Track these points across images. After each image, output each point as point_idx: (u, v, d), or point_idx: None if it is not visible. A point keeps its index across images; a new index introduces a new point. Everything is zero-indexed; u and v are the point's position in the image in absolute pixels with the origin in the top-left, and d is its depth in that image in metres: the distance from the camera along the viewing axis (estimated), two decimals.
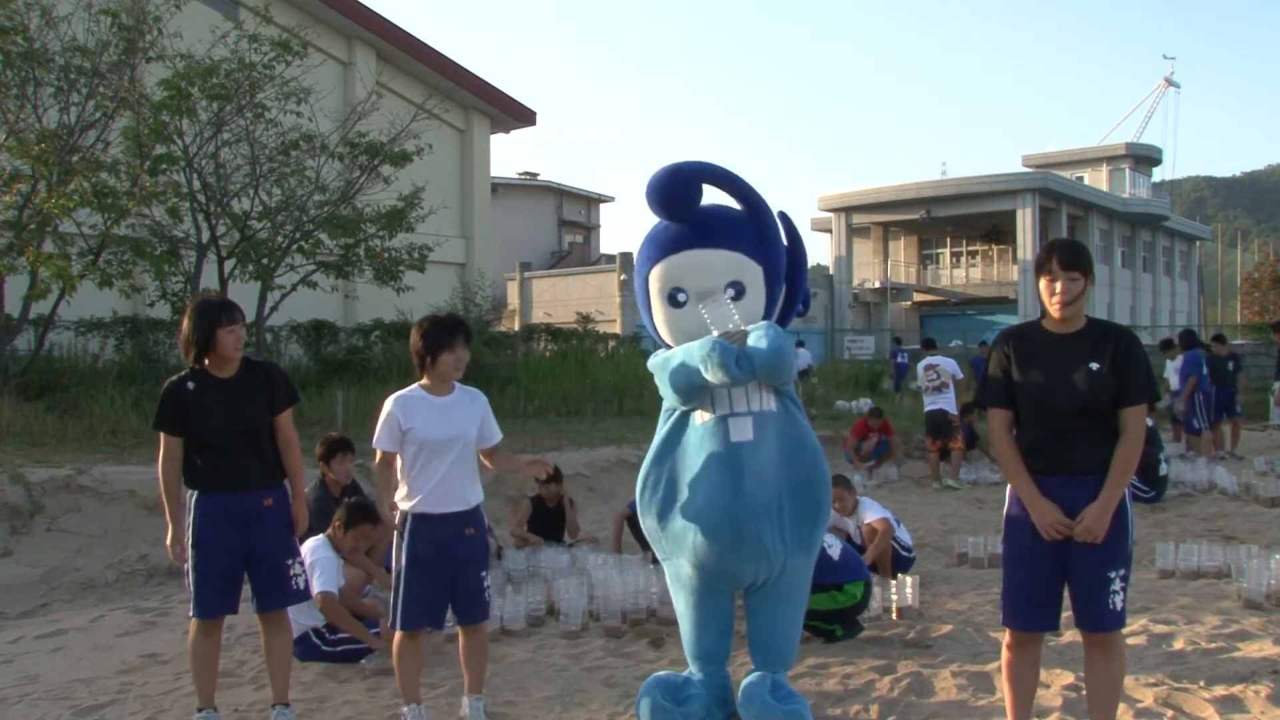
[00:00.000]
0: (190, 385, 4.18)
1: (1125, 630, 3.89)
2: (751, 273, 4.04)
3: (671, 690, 4.07)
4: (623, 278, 29.11)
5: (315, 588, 5.09)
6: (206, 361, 4.19)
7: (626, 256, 29.67)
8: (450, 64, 22.31)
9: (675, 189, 3.99)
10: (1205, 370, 13.00)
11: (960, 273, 46.74)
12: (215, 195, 12.85)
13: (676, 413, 4.14)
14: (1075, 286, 3.50)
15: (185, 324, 4.20)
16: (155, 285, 12.53)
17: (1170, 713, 4.12)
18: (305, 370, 15.99)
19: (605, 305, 30.34)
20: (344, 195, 13.95)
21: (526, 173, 41.02)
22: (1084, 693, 3.86)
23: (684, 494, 3.98)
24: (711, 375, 3.82)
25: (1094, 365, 3.48)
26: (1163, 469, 9.82)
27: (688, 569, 4.11)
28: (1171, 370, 14.02)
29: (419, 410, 4.18)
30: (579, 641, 5.47)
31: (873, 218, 43.70)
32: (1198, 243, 56.07)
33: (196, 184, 12.68)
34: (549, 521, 7.85)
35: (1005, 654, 3.70)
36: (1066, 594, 3.58)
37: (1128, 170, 46.39)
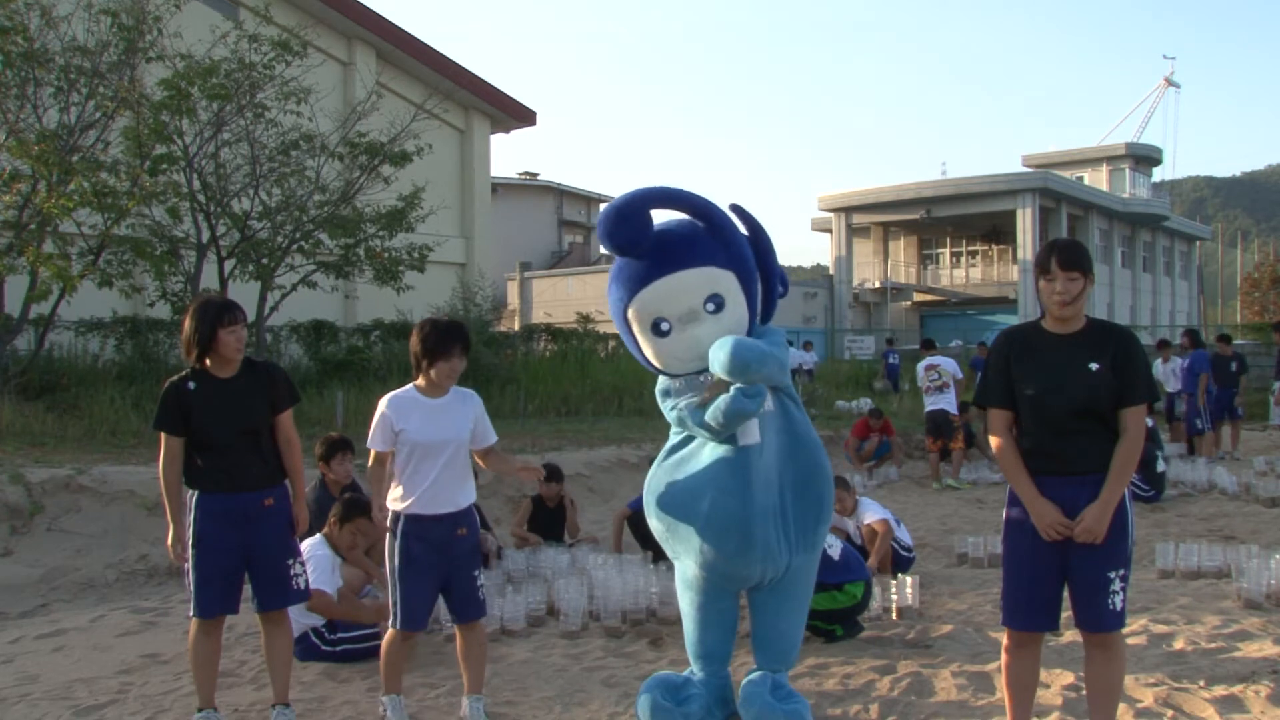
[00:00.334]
0: (191, 385, 4.18)
1: (1125, 630, 3.89)
2: (725, 282, 3.98)
3: (671, 690, 4.07)
4: None
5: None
6: (207, 361, 4.19)
7: None
8: (450, 64, 22.32)
9: (624, 228, 3.90)
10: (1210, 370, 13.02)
11: (960, 273, 46.73)
12: (215, 195, 12.86)
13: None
14: (1075, 286, 3.49)
15: (187, 323, 4.19)
16: (155, 285, 12.54)
17: (1170, 713, 4.12)
18: (305, 370, 15.99)
19: (605, 305, 30.21)
20: (344, 195, 13.96)
21: (526, 173, 41.03)
22: (1084, 693, 3.86)
23: (691, 497, 3.97)
24: (739, 424, 3.79)
25: (1094, 365, 3.48)
26: (1160, 466, 9.81)
27: (694, 570, 4.12)
28: (1166, 371, 14.03)
29: (412, 412, 4.19)
30: (579, 641, 5.47)
31: (873, 218, 43.69)
32: (1198, 243, 56.06)
33: (196, 184, 12.69)
34: (549, 521, 7.85)
35: (1005, 654, 3.70)
36: (1066, 594, 3.58)
37: (1128, 170, 46.37)
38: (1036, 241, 37.39)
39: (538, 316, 31.68)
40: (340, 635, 5.23)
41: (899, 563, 6.81)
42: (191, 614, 4.22)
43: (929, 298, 45.14)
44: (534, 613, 5.82)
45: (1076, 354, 3.52)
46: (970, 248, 46.71)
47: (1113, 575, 3.47)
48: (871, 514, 6.86)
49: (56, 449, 9.52)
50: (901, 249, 47.35)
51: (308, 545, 5.38)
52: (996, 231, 43.67)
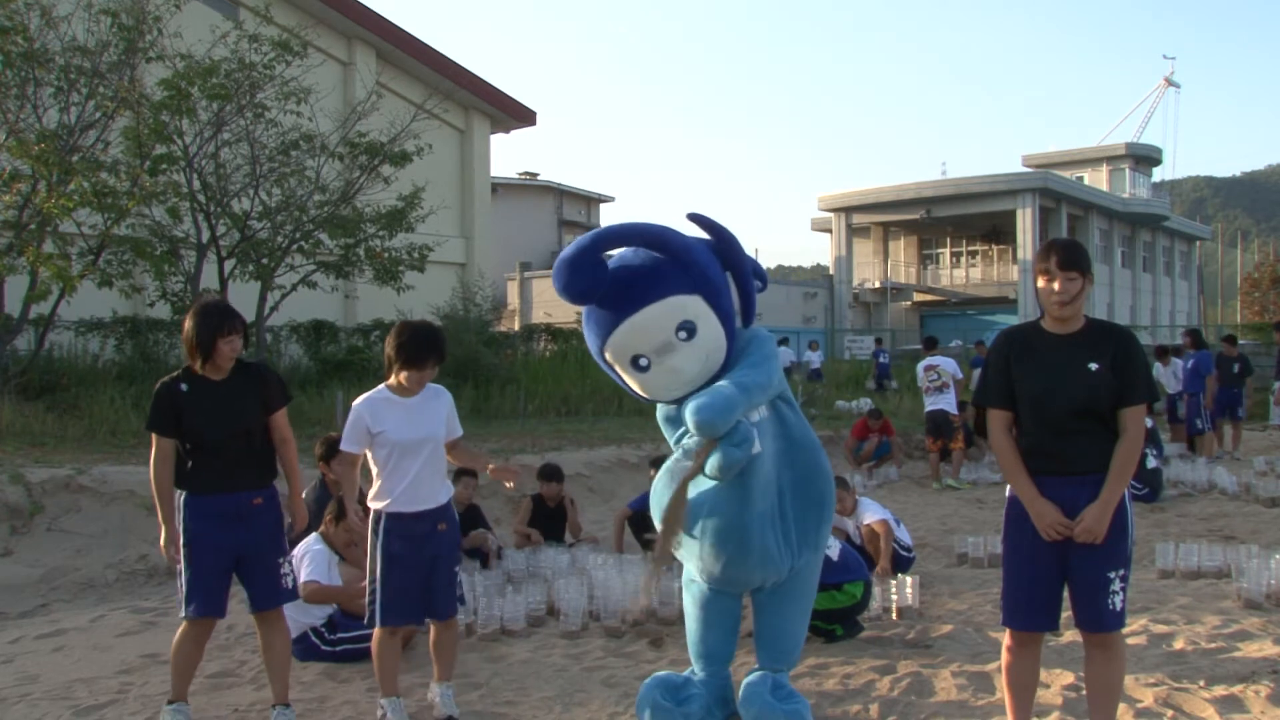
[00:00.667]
0: (183, 387, 4.19)
1: (1125, 630, 3.89)
2: (692, 307, 3.91)
3: (672, 690, 4.07)
4: None
5: (303, 579, 5.13)
6: (200, 366, 4.21)
7: None
8: (450, 64, 22.33)
9: (578, 277, 3.85)
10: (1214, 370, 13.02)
11: (960, 273, 46.73)
12: (215, 195, 12.86)
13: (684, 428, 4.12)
14: (1073, 286, 3.49)
15: (189, 325, 4.20)
16: (155, 285, 12.55)
17: (1170, 713, 4.12)
18: (305, 370, 16.00)
19: None
20: (344, 195, 13.96)
21: (526, 173, 41.00)
22: (1084, 693, 3.86)
23: (691, 505, 3.96)
24: (742, 464, 3.75)
25: (1093, 365, 3.48)
26: (1150, 463, 9.78)
27: (696, 574, 4.12)
28: (1167, 373, 14.02)
29: (388, 413, 4.24)
30: (579, 641, 5.47)
31: (873, 218, 43.69)
32: (1198, 243, 56.05)
33: (196, 184, 12.69)
34: (549, 521, 7.84)
35: (1005, 654, 3.70)
36: (1066, 594, 3.58)
37: (1128, 170, 46.36)
38: (1036, 241, 37.39)
39: (538, 316, 31.65)
40: (340, 635, 5.23)
41: (899, 563, 6.81)
42: (183, 615, 4.22)
43: (929, 298, 45.14)
44: (534, 613, 5.82)
45: (1076, 354, 3.52)
46: (970, 248, 46.71)
47: (1113, 575, 3.47)
48: (871, 514, 6.86)
49: (56, 449, 9.52)
50: (901, 249, 47.35)
51: (305, 543, 5.38)
52: (996, 231, 43.67)
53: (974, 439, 12.55)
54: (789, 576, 4.07)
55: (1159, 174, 51.12)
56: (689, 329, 3.92)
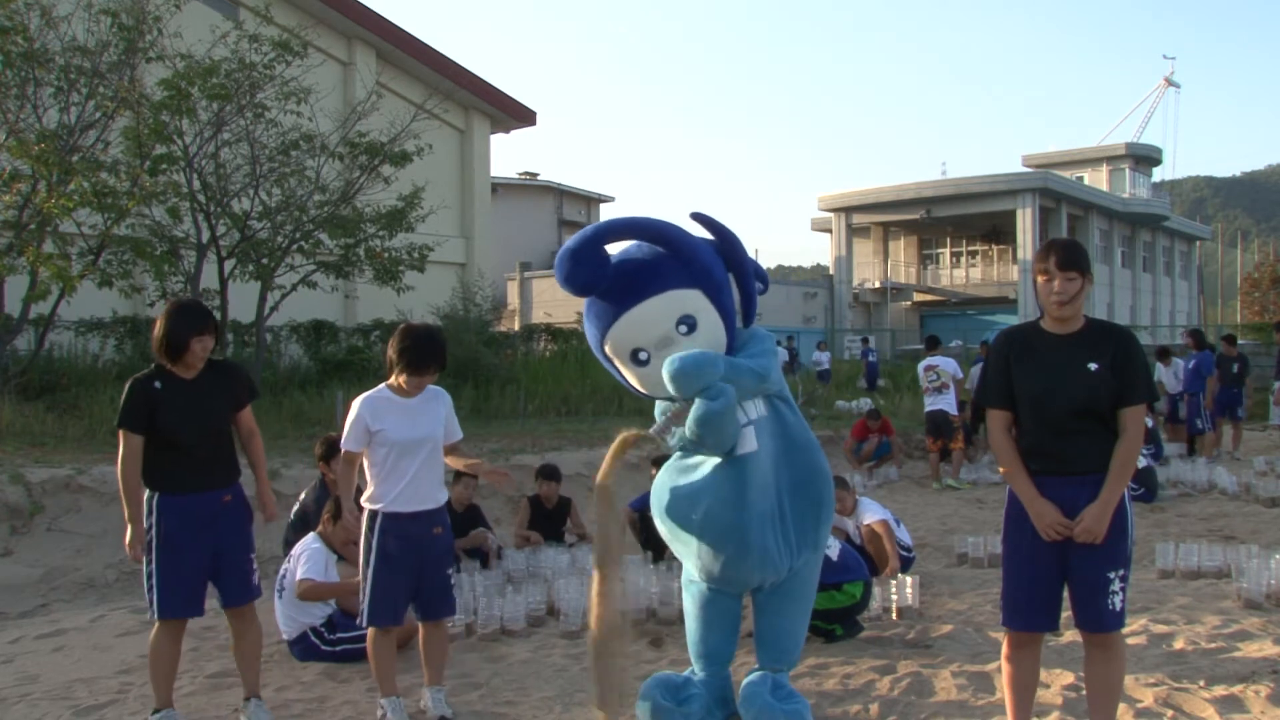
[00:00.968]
0: (157, 384, 4.20)
1: (1125, 630, 3.89)
2: (693, 301, 3.94)
3: (672, 690, 4.07)
4: None
5: (298, 576, 5.16)
6: (171, 364, 4.22)
7: None
8: (450, 64, 22.32)
9: (580, 268, 3.88)
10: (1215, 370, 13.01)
11: (960, 273, 46.73)
12: (215, 195, 12.86)
13: None
14: (1073, 286, 3.49)
15: (160, 325, 4.21)
16: (155, 285, 12.54)
17: (1170, 713, 4.12)
18: (305, 370, 16.00)
19: None
20: (344, 195, 13.96)
21: (526, 173, 41.00)
22: (1084, 693, 3.86)
23: (690, 505, 3.97)
24: (720, 427, 3.74)
25: (1093, 365, 3.48)
26: (1141, 462, 9.75)
27: (695, 574, 4.13)
28: (1168, 374, 14.02)
29: (388, 412, 4.27)
30: (579, 641, 5.46)
31: (873, 218, 43.70)
32: (1198, 243, 56.06)
33: (196, 184, 12.69)
34: (548, 522, 7.84)
35: (1005, 654, 3.70)
36: (1066, 594, 3.58)
37: (1128, 170, 46.37)
38: (1036, 241, 37.39)
39: (538, 316, 31.65)
40: (340, 635, 5.23)
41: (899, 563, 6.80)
42: (153, 616, 4.22)
43: (929, 298, 45.14)
44: (534, 613, 5.82)
45: (1076, 354, 3.52)
46: (970, 248, 46.71)
47: (1112, 575, 3.47)
48: (871, 514, 6.85)
49: (56, 449, 9.52)
50: (901, 249, 47.35)
51: (303, 542, 5.39)
52: (996, 231, 43.67)
53: (972, 439, 12.56)
54: (789, 576, 4.07)
55: (1159, 174, 51.17)
56: (689, 323, 3.93)
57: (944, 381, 11.76)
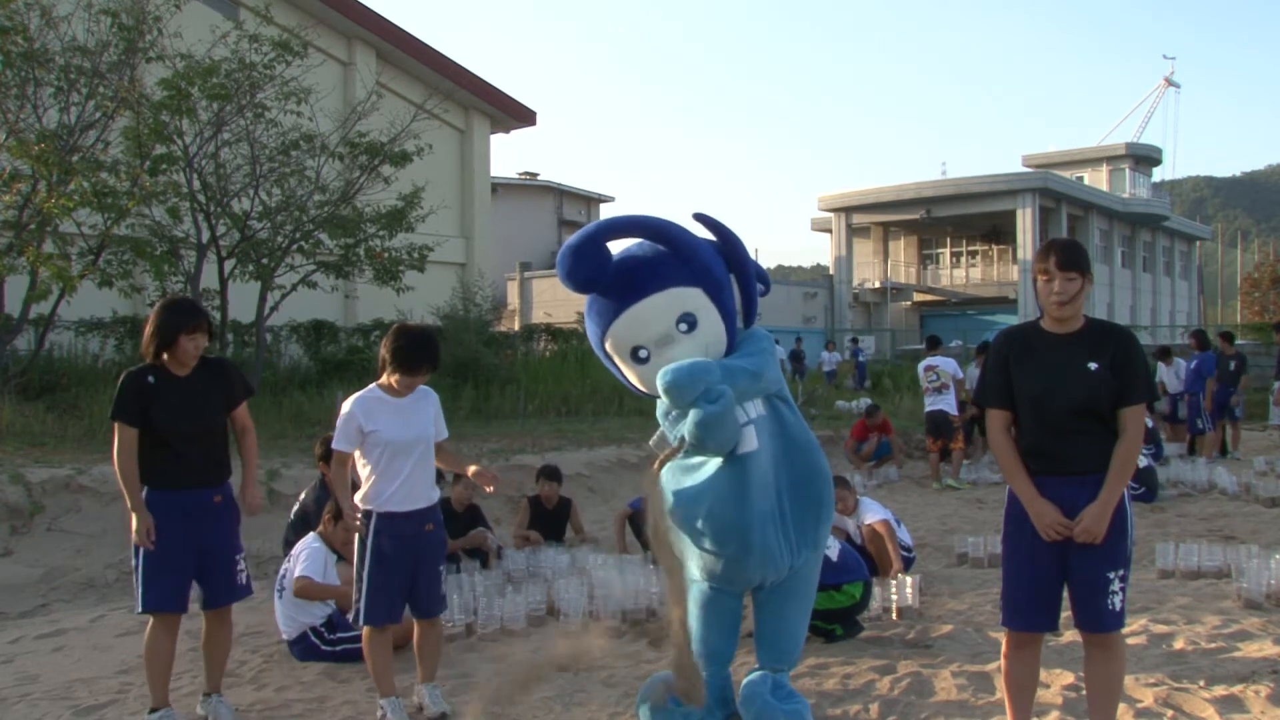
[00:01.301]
0: (151, 379, 4.20)
1: (1125, 630, 3.89)
2: (693, 299, 3.94)
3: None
4: None
5: (296, 574, 5.16)
6: (164, 358, 4.23)
7: None
8: (450, 64, 22.33)
9: (582, 265, 3.88)
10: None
11: (960, 273, 46.75)
12: (215, 195, 12.86)
13: None
14: (1073, 286, 3.49)
15: (150, 323, 4.23)
16: (155, 285, 12.55)
17: (1170, 713, 4.12)
18: (305, 370, 16.01)
19: None
20: (344, 195, 13.96)
21: (526, 173, 41.01)
22: (1084, 693, 3.86)
23: (691, 504, 3.97)
24: (720, 429, 3.72)
25: (1093, 365, 3.48)
26: (1142, 462, 9.74)
27: (697, 573, 4.13)
28: (1169, 374, 14.02)
29: (380, 412, 4.28)
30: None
31: (873, 218, 43.71)
32: (1198, 243, 56.08)
33: (196, 184, 12.69)
34: (548, 522, 7.84)
35: (1005, 654, 3.70)
36: (1066, 594, 3.58)
37: (1128, 170, 46.39)
38: (1036, 241, 37.40)
39: (538, 316, 31.65)
40: (340, 635, 5.23)
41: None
42: (140, 610, 4.24)
43: (929, 298, 45.16)
44: (534, 613, 5.82)
45: (1076, 354, 3.52)
46: (970, 248, 46.73)
47: (1112, 575, 3.47)
48: (872, 514, 6.85)
49: (56, 449, 9.52)
50: (901, 249, 47.36)
51: (303, 541, 5.39)
52: (996, 231, 43.68)
53: (972, 438, 12.56)
54: (789, 576, 4.07)
55: (1159, 174, 51.19)
56: (690, 321, 3.94)
57: (944, 382, 11.76)
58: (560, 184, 41.27)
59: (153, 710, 4.28)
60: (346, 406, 4.31)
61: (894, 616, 5.76)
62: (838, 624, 5.37)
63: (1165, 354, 14.60)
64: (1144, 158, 47.70)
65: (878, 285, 43.75)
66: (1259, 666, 4.60)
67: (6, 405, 10.65)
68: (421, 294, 15.93)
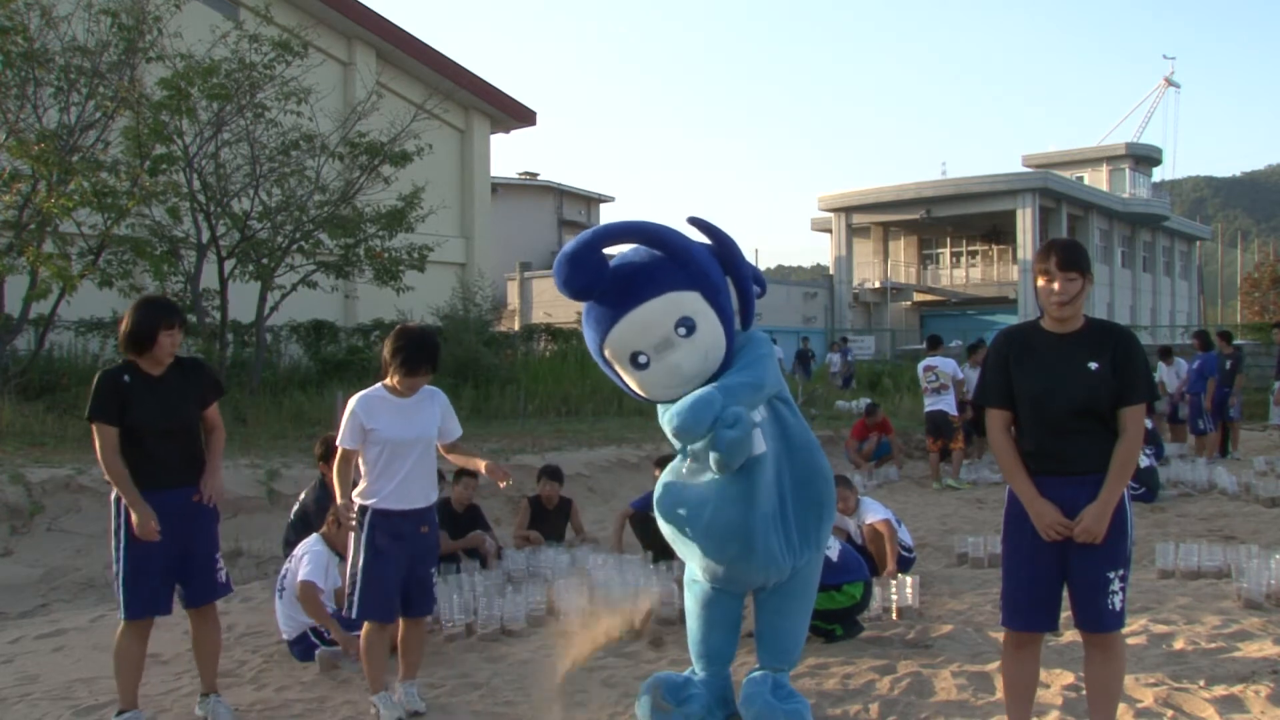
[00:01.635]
0: (126, 378, 4.20)
1: (1125, 630, 3.89)
2: (691, 303, 3.94)
3: (672, 689, 4.07)
4: None
5: (300, 577, 5.14)
6: (138, 358, 4.22)
7: None
8: (450, 64, 22.33)
9: (579, 273, 3.88)
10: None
11: (960, 273, 46.74)
12: (215, 195, 12.87)
13: None
14: (1073, 286, 3.49)
15: (127, 320, 4.22)
16: (155, 285, 12.54)
17: (1170, 713, 4.12)
18: (305, 370, 16.00)
19: None
20: (344, 195, 13.97)
21: (526, 173, 41.00)
22: (1084, 693, 3.86)
23: (695, 506, 3.97)
24: (743, 449, 3.73)
25: (1093, 365, 3.48)
26: (1144, 462, 9.75)
27: (699, 574, 4.13)
28: (1170, 374, 14.01)
29: (382, 411, 4.33)
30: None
31: (873, 218, 43.70)
32: (1198, 243, 56.07)
33: (196, 184, 12.69)
34: (548, 522, 7.84)
35: (1005, 654, 3.70)
36: (1066, 594, 3.58)
37: (1128, 170, 46.38)
38: (1036, 241, 37.40)
39: (538, 316, 31.63)
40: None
41: (900, 563, 6.80)
42: (122, 616, 4.22)
43: (929, 298, 45.15)
44: (534, 613, 5.82)
45: (1076, 354, 3.52)
46: (970, 248, 46.72)
47: (1112, 575, 3.47)
48: (873, 514, 6.85)
49: (56, 449, 9.52)
50: (901, 249, 47.36)
51: (305, 543, 5.38)
52: (996, 231, 43.67)
53: (972, 438, 12.56)
54: (790, 576, 4.08)
55: (1159, 174, 51.18)
56: (688, 325, 3.94)
57: (942, 382, 11.77)
58: (560, 184, 41.25)
59: (121, 712, 4.28)
60: (351, 405, 4.35)
61: (894, 616, 5.76)
62: (838, 624, 5.37)
63: (1166, 354, 14.59)
64: (1144, 158, 47.70)
65: (878, 285, 43.74)
66: (1259, 666, 4.60)
67: (6, 405, 10.64)
68: (421, 294, 15.94)
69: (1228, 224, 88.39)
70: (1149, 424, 8.20)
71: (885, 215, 43.26)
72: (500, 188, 32.75)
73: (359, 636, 4.59)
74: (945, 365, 11.95)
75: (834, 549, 5.40)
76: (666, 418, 3.73)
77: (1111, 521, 3.44)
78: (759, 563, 3.91)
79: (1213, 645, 4.95)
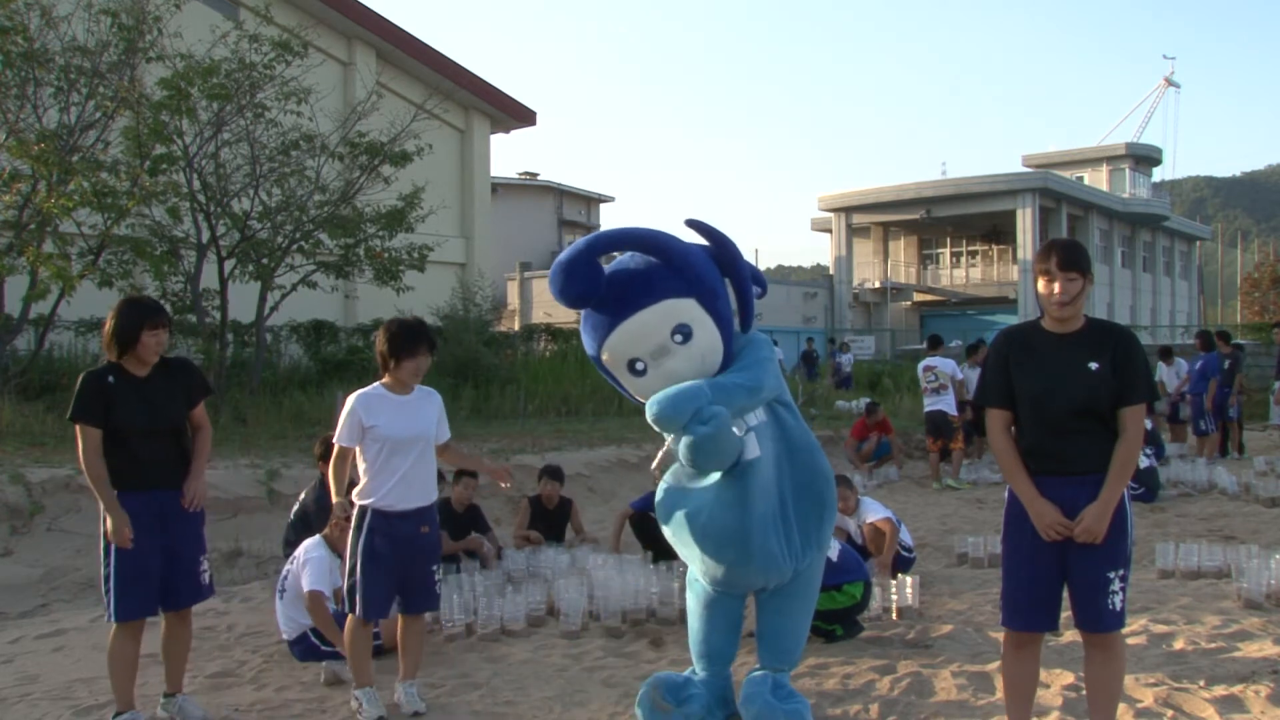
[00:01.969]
0: (110, 379, 4.19)
1: (1125, 630, 3.89)
2: (687, 310, 3.93)
3: (672, 689, 4.07)
4: None
5: (305, 586, 5.13)
6: (124, 358, 4.21)
7: None
8: (450, 64, 22.34)
9: (574, 281, 3.89)
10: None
11: (960, 273, 46.75)
12: (215, 195, 12.87)
13: None
14: (1073, 286, 3.49)
15: (110, 320, 4.21)
16: (155, 285, 12.55)
17: (1170, 713, 4.12)
18: (305, 370, 16.01)
19: None
20: (344, 195, 13.97)
21: (526, 173, 41.01)
22: (1084, 693, 3.86)
23: (693, 510, 3.97)
24: (714, 451, 3.73)
25: (1093, 365, 3.48)
26: (1143, 462, 9.73)
27: (700, 575, 4.14)
28: (1170, 374, 14.00)
29: (382, 409, 4.33)
30: (579, 641, 5.47)
31: (873, 218, 43.71)
32: (1198, 243, 56.08)
33: (196, 184, 12.69)
34: (548, 522, 7.84)
35: (1005, 654, 3.70)
36: (1066, 594, 3.58)
37: (1128, 170, 46.39)
38: (1036, 241, 37.40)
39: (538, 316, 31.62)
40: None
41: (899, 563, 6.80)
42: (110, 619, 4.21)
43: (929, 298, 45.16)
44: (534, 613, 5.82)
45: (1076, 354, 3.52)
46: (970, 248, 46.73)
47: (1112, 575, 3.47)
48: (874, 513, 6.85)
49: (56, 449, 9.52)
50: (901, 249, 47.36)
51: (306, 546, 5.37)
52: (996, 231, 43.68)
53: (972, 438, 12.56)
54: (792, 576, 4.08)
55: (1159, 174, 51.19)
56: (685, 332, 3.93)
57: (942, 383, 11.77)
58: (560, 184, 41.27)
59: (118, 714, 4.27)
60: (350, 402, 4.35)
61: (894, 616, 5.76)
62: (838, 624, 5.37)
63: (1167, 354, 14.58)
64: (1144, 158, 47.71)
65: (878, 285, 43.75)
66: (1259, 666, 4.60)
67: (6, 405, 10.65)
68: (421, 294, 15.93)
69: (1228, 224, 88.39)
70: (1149, 424, 8.22)
71: (885, 215, 43.27)
72: (500, 188, 32.76)
73: None
74: (945, 365, 11.95)
75: (834, 549, 5.40)
76: (648, 405, 3.74)
77: (1112, 521, 3.44)
78: (758, 566, 3.91)
79: (1213, 645, 4.95)
